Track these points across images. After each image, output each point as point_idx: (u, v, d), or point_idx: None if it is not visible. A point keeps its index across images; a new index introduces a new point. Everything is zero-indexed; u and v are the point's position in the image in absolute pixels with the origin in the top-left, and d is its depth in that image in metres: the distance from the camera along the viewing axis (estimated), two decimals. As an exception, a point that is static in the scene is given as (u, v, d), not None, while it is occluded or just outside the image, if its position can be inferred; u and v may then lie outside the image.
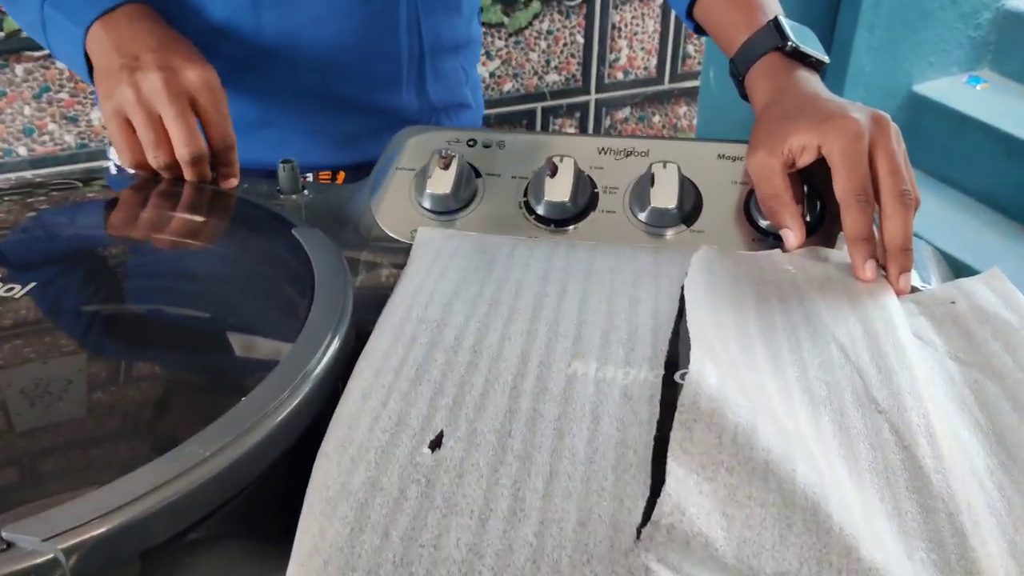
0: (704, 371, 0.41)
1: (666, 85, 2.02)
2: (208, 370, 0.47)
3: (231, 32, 0.78)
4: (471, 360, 0.45)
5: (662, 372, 0.44)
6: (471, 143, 0.67)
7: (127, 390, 0.45)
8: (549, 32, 1.84)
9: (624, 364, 0.45)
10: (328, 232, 0.57)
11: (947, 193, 1.80)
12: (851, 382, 0.44)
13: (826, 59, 0.68)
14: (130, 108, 0.65)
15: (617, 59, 1.94)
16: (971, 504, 0.37)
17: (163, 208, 0.65)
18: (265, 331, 0.51)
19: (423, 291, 0.52)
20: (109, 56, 0.67)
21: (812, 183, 0.61)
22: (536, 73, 1.87)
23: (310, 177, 0.85)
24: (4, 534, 0.33)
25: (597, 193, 0.63)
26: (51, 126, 1.55)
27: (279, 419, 0.41)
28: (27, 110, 1.53)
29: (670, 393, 0.43)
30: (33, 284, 0.50)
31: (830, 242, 0.60)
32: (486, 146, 0.67)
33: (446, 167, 0.63)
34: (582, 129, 1.97)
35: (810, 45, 0.67)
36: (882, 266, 0.55)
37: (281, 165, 0.68)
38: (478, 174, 0.65)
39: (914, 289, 0.55)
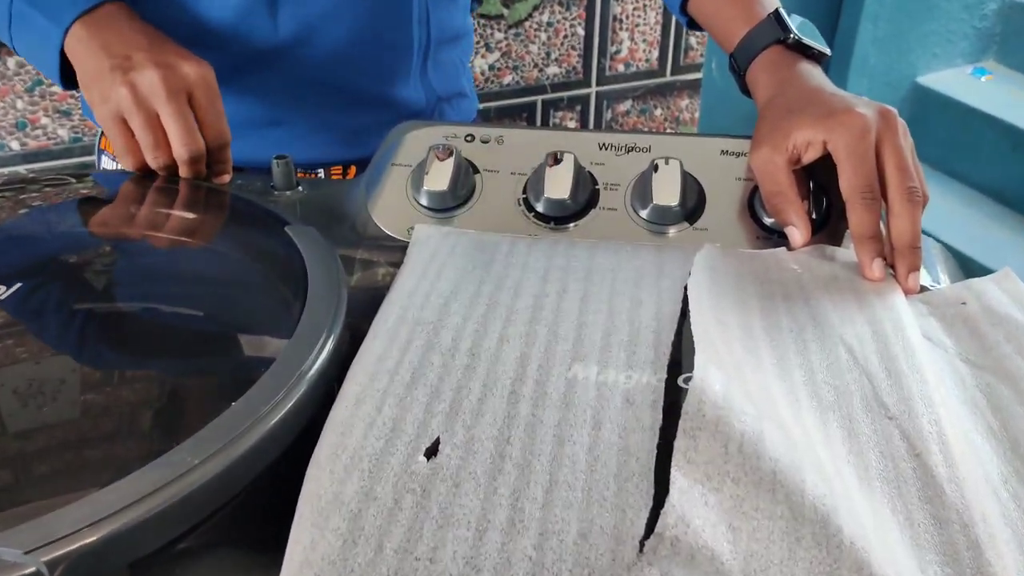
0: (709, 377, 0.40)
1: (668, 77, 2.01)
2: (197, 373, 0.46)
3: (245, 29, 0.77)
4: (468, 364, 0.44)
5: (665, 376, 0.43)
6: (469, 138, 0.66)
7: (113, 395, 0.43)
8: (549, 24, 1.82)
9: (626, 367, 0.44)
10: (323, 229, 0.56)
11: (951, 186, 1.79)
12: (860, 386, 0.43)
13: (828, 51, 0.67)
14: (128, 109, 0.63)
15: (618, 51, 1.92)
16: (986, 515, 0.36)
17: (154, 205, 0.63)
18: (257, 333, 0.49)
19: (419, 291, 0.50)
20: (96, 58, 0.64)
21: (817, 179, 0.59)
22: (536, 65, 1.85)
23: (321, 173, 0.84)
24: (-17, 547, 0.32)
25: (598, 190, 0.62)
26: (44, 120, 1.53)
27: (271, 425, 0.39)
28: (19, 104, 1.51)
29: (673, 398, 0.42)
30: (19, 285, 0.49)
31: (836, 240, 0.59)
32: (484, 141, 0.65)
33: (443, 160, 0.62)
34: (583, 122, 1.95)
35: (811, 37, 0.66)
36: (890, 265, 0.54)
37: (275, 161, 0.66)
38: (476, 170, 0.64)
39: (923, 288, 0.54)
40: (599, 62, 1.91)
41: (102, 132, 0.89)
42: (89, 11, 0.66)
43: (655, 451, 0.38)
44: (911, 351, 0.45)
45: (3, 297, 0.48)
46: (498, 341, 0.46)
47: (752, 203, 0.60)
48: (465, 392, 0.42)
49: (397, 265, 0.58)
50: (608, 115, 1.98)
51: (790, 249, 0.57)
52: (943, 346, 0.49)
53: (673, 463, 0.36)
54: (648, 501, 0.36)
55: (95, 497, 0.35)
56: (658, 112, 2.03)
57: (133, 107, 0.63)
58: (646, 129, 2.02)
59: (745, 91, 0.69)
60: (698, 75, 2.01)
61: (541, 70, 1.85)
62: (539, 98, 1.88)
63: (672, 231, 0.60)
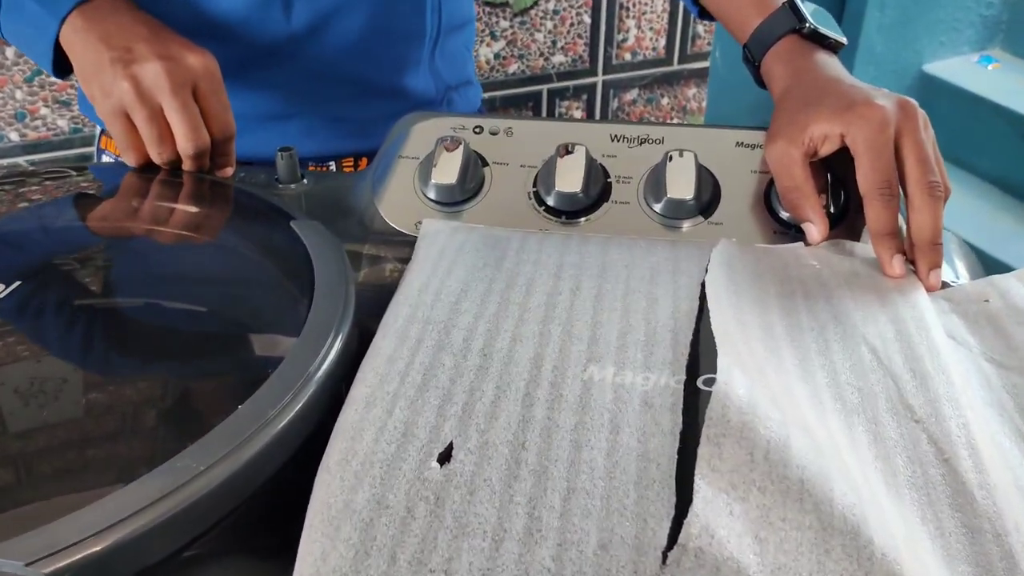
0: (733, 380, 0.38)
1: (675, 66, 1.98)
2: (202, 374, 0.45)
3: (258, 22, 0.75)
4: (481, 364, 0.43)
5: (683, 377, 0.42)
6: (477, 130, 0.64)
7: (115, 397, 0.42)
8: (555, 12, 1.80)
9: (643, 368, 0.42)
10: (328, 223, 0.54)
11: (958, 176, 1.77)
12: (884, 388, 0.42)
13: (844, 40, 0.65)
14: (130, 104, 0.61)
15: (625, 39, 1.90)
16: (1019, 524, 0.35)
17: (155, 199, 0.62)
18: (262, 331, 0.48)
19: (429, 289, 0.49)
20: (95, 50, 0.62)
21: (834, 171, 0.58)
22: (542, 54, 1.83)
23: (333, 167, 0.83)
24: (-18, 560, 0.31)
25: (610, 183, 0.61)
26: (43, 110, 1.51)
27: (278, 428, 0.38)
28: (18, 94, 1.49)
29: (692, 400, 0.40)
30: (18, 283, 0.47)
31: (855, 235, 0.57)
32: (493, 133, 0.64)
33: (452, 152, 0.60)
34: (589, 112, 1.93)
35: (827, 26, 0.64)
36: (910, 261, 0.53)
37: (279, 153, 0.65)
38: (485, 163, 0.62)
39: (944, 284, 0.53)
40: (605, 51, 1.88)
41: (102, 131, 0.87)
42: (85, 0, 0.64)
43: (676, 457, 0.37)
44: (936, 351, 0.44)
45: (2, 295, 0.46)
46: (511, 341, 0.45)
47: (768, 197, 0.59)
48: (478, 395, 0.41)
49: (404, 260, 0.56)
50: (614, 104, 1.96)
51: (808, 244, 0.56)
52: (967, 345, 0.47)
53: (697, 471, 0.35)
54: (670, 510, 0.34)
55: (98, 506, 0.34)
56: (665, 101, 2.01)
57: (136, 101, 0.61)
58: (653, 118, 2.00)
59: (760, 83, 0.67)
60: (705, 64, 1.99)
61: (547, 59, 1.83)
62: (545, 87, 1.86)
63: (686, 225, 0.59)
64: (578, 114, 1.93)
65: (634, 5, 1.87)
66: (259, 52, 0.76)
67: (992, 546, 0.34)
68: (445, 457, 0.37)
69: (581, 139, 0.61)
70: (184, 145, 0.61)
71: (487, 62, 1.78)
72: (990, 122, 1.72)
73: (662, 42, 1.94)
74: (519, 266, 0.52)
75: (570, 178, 0.59)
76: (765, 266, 0.52)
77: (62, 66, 0.67)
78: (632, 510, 0.35)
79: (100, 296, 0.51)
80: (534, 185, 0.61)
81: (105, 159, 0.85)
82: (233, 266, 0.54)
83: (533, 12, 1.78)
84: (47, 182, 0.65)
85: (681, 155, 0.59)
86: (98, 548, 0.32)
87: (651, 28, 1.91)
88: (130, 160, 0.64)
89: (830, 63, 0.63)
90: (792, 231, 0.58)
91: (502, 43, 1.78)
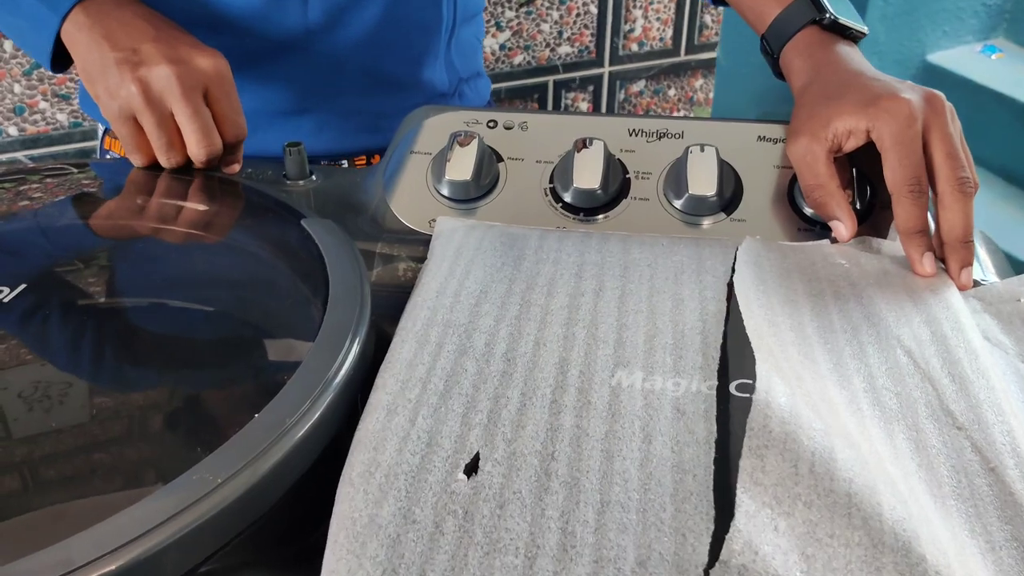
0: (773, 388, 0.37)
1: (682, 57, 1.96)
2: (215, 380, 0.43)
3: (274, 14, 0.73)
4: (505, 369, 0.41)
5: (715, 383, 0.40)
6: (491, 124, 0.63)
7: (124, 407, 0.41)
8: (561, 2, 1.78)
9: (673, 373, 0.41)
10: (338, 221, 0.53)
11: (962, 166, 1.76)
12: (923, 393, 0.40)
13: (866, 30, 0.63)
14: (139, 108, 0.59)
15: (632, 30, 1.88)
16: (1072, 537, 0.34)
17: (161, 197, 0.60)
18: (276, 336, 0.47)
19: (447, 290, 0.48)
20: (100, 49, 0.60)
21: (859, 166, 0.56)
22: (548, 45, 1.81)
23: (345, 164, 0.82)
24: (-10, 582, 0.29)
25: (629, 179, 0.59)
26: (43, 104, 1.49)
27: (297, 438, 0.37)
28: (17, 88, 1.47)
29: (725, 406, 0.39)
30: (23, 286, 0.46)
31: (882, 231, 0.56)
32: (507, 127, 0.62)
33: (465, 147, 0.59)
34: (595, 103, 1.91)
35: (847, 16, 0.63)
36: (940, 259, 0.51)
37: (287, 148, 0.63)
38: (500, 158, 0.61)
39: (975, 283, 0.52)
40: (612, 41, 1.86)
41: (105, 131, 0.85)
42: None
43: (712, 467, 0.35)
44: (974, 354, 0.43)
45: (8, 299, 0.45)
46: (534, 345, 0.43)
47: (792, 192, 0.57)
48: (503, 401, 0.39)
49: (418, 259, 0.55)
50: (621, 95, 1.94)
51: (834, 242, 0.54)
52: (1002, 346, 0.46)
53: (739, 484, 0.33)
54: (709, 524, 0.33)
55: (108, 523, 0.32)
56: (672, 92, 1.99)
57: (145, 106, 0.59)
58: (659, 110, 1.98)
59: (779, 75, 0.65)
60: (713, 55, 1.97)
61: (553, 50, 1.81)
62: (551, 78, 1.84)
63: (708, 222, 0.57)
64: (584, 106, 1.91)
65: (641, -5, 1.85)
66: (273, 45, 0.74)
67: (1046, 561, 0.33)
68: (472, 468, 0.36)
69: (598, 133, 0.60)
70: (196, 151, 0.60)
71: (492, 53, 1.76)
72: (994, 112, 1.71)
73: (669, 32, 1.92)
74: (539, 265, 0.50)
75: (588, 174, 0.57)
76: (792, 265, 0.51)
77: (60, 61, 0.65)
78: (670, 524, 0.33)
79: (107, 300, 0.49)
80: (550, 181, 0.59)
81: (109, 159, 0.84)
82: (245, 267, 0.53)
83: (539, 2, 1.76)
84: (48, 179, 0.63)
85: (702, 150, 0.57)
86: (113, 567, 0.31)
87: (658, 18, 1.89)
88: (137, 161, 0.62)
89: (852, 55, 0.61)
90: (817, 228, 0.56)
91: (508, 34, 1.76)
